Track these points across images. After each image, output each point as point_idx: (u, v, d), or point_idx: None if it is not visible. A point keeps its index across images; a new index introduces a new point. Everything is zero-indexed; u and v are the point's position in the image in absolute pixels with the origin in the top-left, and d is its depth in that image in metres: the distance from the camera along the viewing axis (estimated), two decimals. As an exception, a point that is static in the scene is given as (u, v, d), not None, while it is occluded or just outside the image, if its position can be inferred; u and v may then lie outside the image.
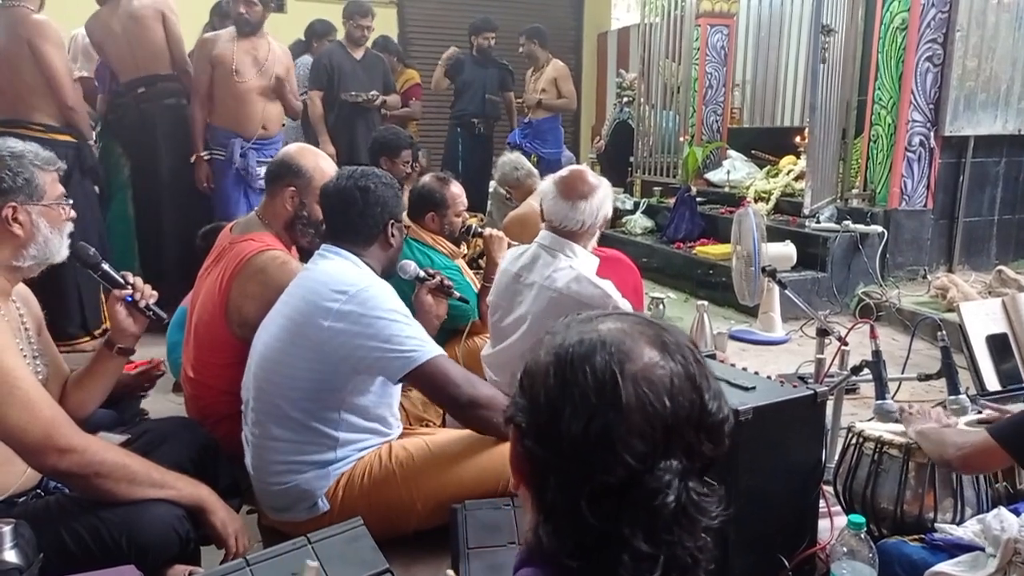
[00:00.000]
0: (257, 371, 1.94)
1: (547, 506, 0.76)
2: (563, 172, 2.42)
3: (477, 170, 5.97)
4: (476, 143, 6.05)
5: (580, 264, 2.32)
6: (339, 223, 2.01)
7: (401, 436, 2.04)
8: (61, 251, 1.65)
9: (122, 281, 1.80)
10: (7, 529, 1.34)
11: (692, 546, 0.74)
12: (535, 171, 4.21)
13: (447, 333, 2.81)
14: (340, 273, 1.92)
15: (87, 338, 3.72)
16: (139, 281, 1.82)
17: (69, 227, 1.67)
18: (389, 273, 2.08)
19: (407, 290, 2.30)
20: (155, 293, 1.84)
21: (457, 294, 2.47)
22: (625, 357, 0.75)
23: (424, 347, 1.84)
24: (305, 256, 2.49)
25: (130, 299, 1.79)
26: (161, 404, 2.92)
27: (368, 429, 1.95)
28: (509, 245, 2.97)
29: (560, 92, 6.01)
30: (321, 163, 2.35)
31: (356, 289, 1.85)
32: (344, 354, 1.82)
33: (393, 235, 2.05)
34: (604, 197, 2.35)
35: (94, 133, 3.90)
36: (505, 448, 1.90)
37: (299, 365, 1.85)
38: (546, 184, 2.45)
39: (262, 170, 3.57)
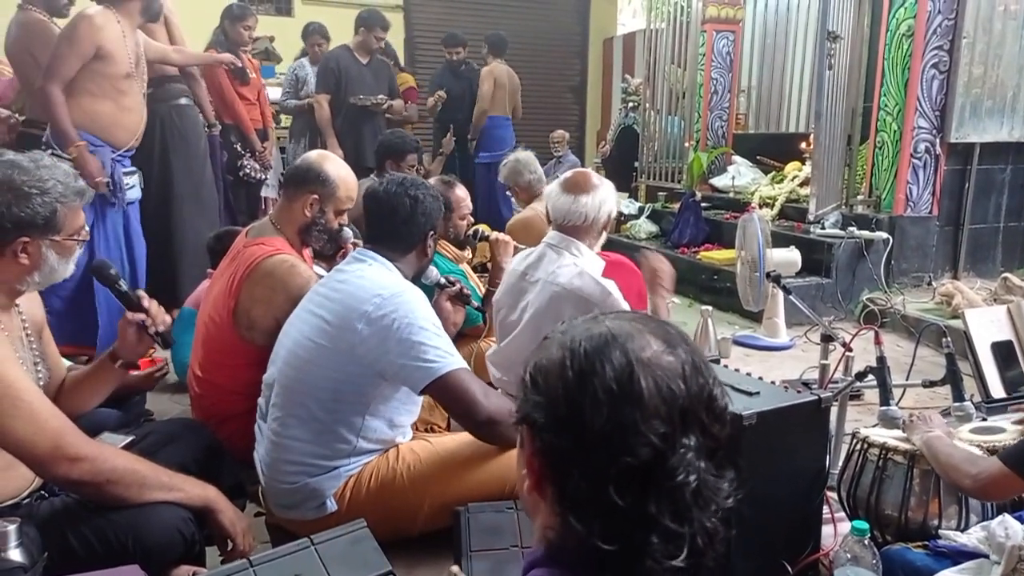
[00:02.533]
0: (285, 368, 1.94)
1: (570, 497, 0.78)
2: (568, 173, 2.49)
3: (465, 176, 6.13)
4: (463, 150, 6.29)
5: (585, 263, 2.35)
6: (383, 227, 2.02)
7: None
8: (66, 273, 1.63)
9: (137, 302, 1.81)
10: (12, 528, 1.35)
11: (710, 526, 0.77)
12: (544, 177, 4.21)
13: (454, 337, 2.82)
14: (376, 278, 1.93)
15: None
16: (154, 305, 1.82)
17: (80, 250, 1.65)
18: (414, 280, 2.10)
19: (426, 295, 2.31)
20: (168, 319, 1.84)
21: (475, 303, 2.49)
22: (637, 347, 0.78)
23: (447, 359, 1.84)
24: (322, 260, 2.51)
25: (143, 323, 1.80)
26: (166, 405, 2.93)
27: (386, 439, 1.96)
28: (516, 249, 2.98)
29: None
30: (344, 173, 2.36)
31: (390, 293, 1.86)
32: (373, 358, 1.83)
33: (429, 246, 2.09)
34: (606, 195, 2.41)
35: None
36: (509, 452, 1.92)
37: (331, 366, 1.86)
38: (551, 186, 2.51)
39: (130, 189, 3.43)
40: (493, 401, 1.87)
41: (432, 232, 2.08)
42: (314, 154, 2.46)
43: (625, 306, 2.29)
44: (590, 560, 0.77)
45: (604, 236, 2.49)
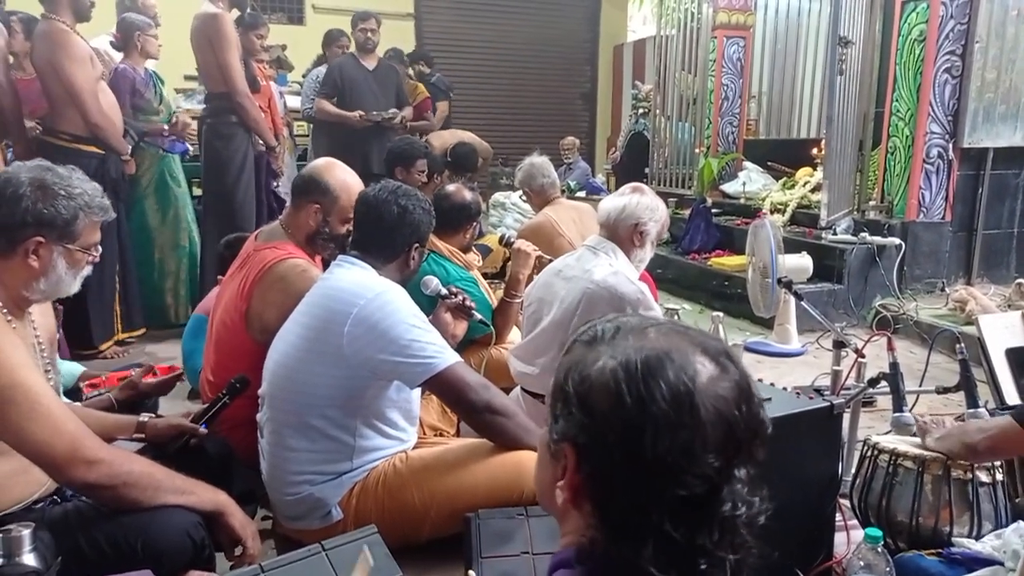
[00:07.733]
0: (273, 379, 1.95)
1: (615, 521, 0.77)
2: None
3: None
4: None
5: (621, 267, 2.39)
6: (368, 233, 2.03)
7: (416, 446, 2.04)
8: (70, 289, 1.65)
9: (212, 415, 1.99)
10: (26, 533, 1.35)
11: (740, 542, 0.78)
12: (557, 181, 4.20)
13: (463, 343, 2.81)
14: (358, 280, 1.94)
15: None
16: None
17: (88, 270, 1.67)
18: (412, 291, 2.09)
19: (426, 306, 2.31)
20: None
21: (478, 316, 2.47)
22: (694, 372, 0.76)
23: (442, 354, 1.86)
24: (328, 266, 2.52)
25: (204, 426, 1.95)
26: (178, 411, 2.94)
27: (386, 435, 1.96)
28: (539, 260, 2.96)
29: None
30: (348, 180, 2.36)
31: (374, 294, 1.87)
32: (363, 359, 1.84)
33: (413, 258, 2.08)
34: (634, 206, 2.45)
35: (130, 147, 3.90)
36: (519, 457, 1.93)
37: (319, 372, 1.86)
38: None
39: None
40: (492, 392, 1.91)
41: (418, 245, 2.06)
42: (320, 162, 2.46)
43: (657, 310, 2.30)
44: (625, 570, 0.76)
45: (641, 251, 2.49)
